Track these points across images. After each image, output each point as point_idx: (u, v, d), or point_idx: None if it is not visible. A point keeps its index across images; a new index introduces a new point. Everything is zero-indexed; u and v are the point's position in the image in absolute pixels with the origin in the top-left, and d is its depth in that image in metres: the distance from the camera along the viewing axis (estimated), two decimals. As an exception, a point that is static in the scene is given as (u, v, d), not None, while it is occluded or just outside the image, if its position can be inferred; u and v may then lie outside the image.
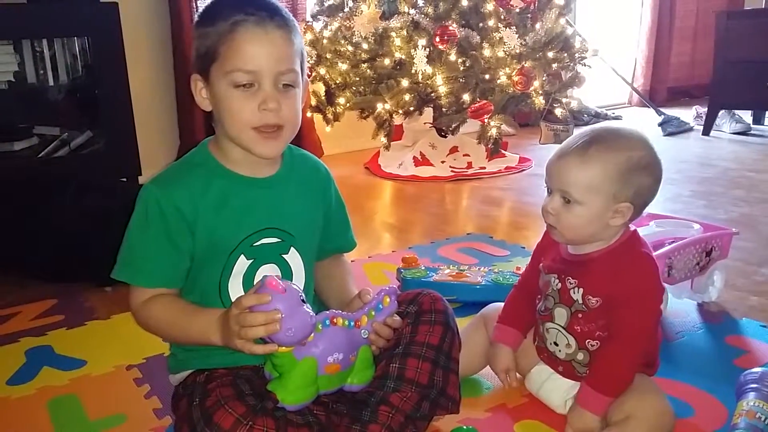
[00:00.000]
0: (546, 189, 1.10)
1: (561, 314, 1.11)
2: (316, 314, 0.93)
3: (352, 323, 0.96)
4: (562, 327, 1.11)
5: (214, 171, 1.01)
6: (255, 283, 0.96)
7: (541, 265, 1.17)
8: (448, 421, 1.08)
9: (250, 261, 1.01)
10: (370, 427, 0.96)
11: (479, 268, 1.68)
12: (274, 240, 1.03)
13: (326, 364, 0.93)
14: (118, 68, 2.44)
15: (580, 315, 1.08)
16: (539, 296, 1.17)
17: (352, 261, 1.21)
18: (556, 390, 1.14)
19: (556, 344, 1.13)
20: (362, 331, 0.97)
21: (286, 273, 1.04)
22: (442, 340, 1.05)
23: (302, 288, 1.05)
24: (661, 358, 1.15)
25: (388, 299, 0.99)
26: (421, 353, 1.03)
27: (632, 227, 1.11)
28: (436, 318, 1.06)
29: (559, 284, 1.11)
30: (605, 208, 1.04)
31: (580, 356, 1.10)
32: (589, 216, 1.05)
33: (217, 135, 1.03)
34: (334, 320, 0.94)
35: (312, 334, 0.91)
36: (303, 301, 0.90)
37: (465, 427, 1.05)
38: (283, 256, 1.04)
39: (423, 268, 1.70)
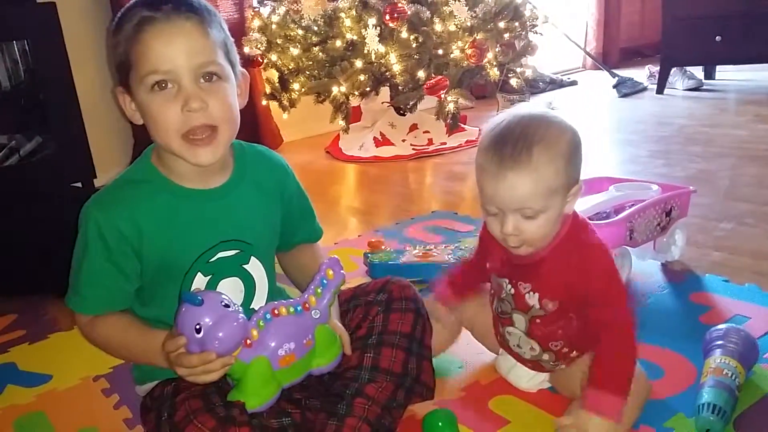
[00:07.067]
0: (488, 212, 0.99)
1: (520, 320, 1.07)
2: (262, 307, 0.92)
3: (300, 307, 0.94)
4: (523, 332, 1.08)
5: (160, 187, 0.95)
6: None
7: (488, 264, 1.12)
8: (424, 406, 1.08)
9: (209, 277, 0.97)
10: (347, 420, 0.95)
11: (445, 246, 1.68)
12: (232, 252, 0.99)
13: (279, 358, 0.91)
14: (61, 70, 2.36)
15: (538, 320, 1.05)
16: (493, 295, 1.14)
17: (318, 249, 1.19)
18: (524, 376, 1.14)
19: (519, 347, 1.10)
20: (313, 312, 0.95)
21: (248, 283, 1.01)
22: (413, 328, 1.04)
23: (266, 292, 1.04)
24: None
25: (330, 272, 0.96)
26: (395, 342, 1.02)
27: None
28: (406, 306, 1.05)
29: (512, 290, 1.06)
30: (563, 201, 0.98)
31: (546, 357, 1.08)
32: (553, 217, 0.97)
33: (157, 148, 0.97)
34: (276, 311, 0.92)
35: (256, 333, 0.89)
36: (226, 305, 0.86)
37: (440, 410, 1.05)
38: (244, 266, 1.01)
39: (390, 250, 1.70)
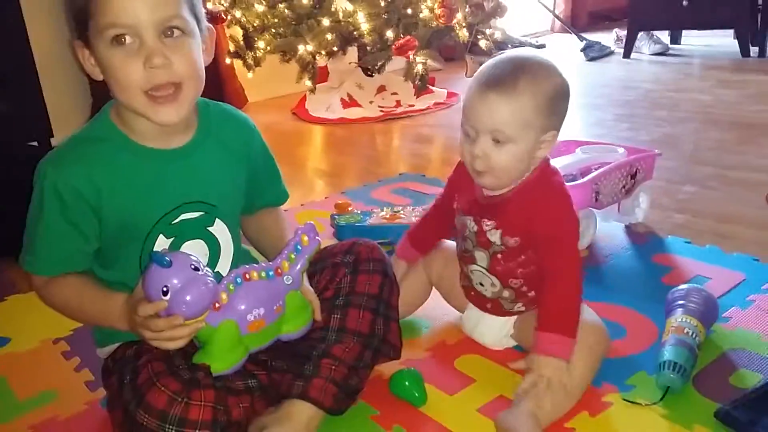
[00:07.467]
0: (464, 133, 1.03)
1: (481, 257, 1.10)
2: (233, 271, 0.90)
3: (272, 273, 0.92)
4: (485, 269, 1.10)
5: (120, 146, 0.91)
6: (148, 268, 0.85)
7: (455, 204, 1.14)
8: (391, 365, 1.08)
9: (171, 239, 0.94)
10: (313, 381, 0.95)
11: (413, 209, 1.67)
12: (196, 214, 0.96)
13: (247, 323, 0.89)
14: (15, 26, 2.26)
15: (499, 255, 1.07)
16: (458, 237, 1.15)
17: (285, 210, 1.17)
18: (488, 331, 1.15)
19: (481, 284, 1.12)
20: (285, 277, 0.93)
21: (213, 246, 0.99)
22: (381, 289, 1.04)
23: (231, 255, 1.02)
24: (591, 281, 1.17)
25: (306, 237, 0.95)
26: (362, 303, 1.01)
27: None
28: (373, 267, 1.05)
29: (476, 227, 1.08)
30: (535, 141, 1.00)
31: (506, 294, 1.10)
32: (521, 152, 1.00)
33: (117, 104, 0.93)
34: (247, 275, 0.90)
35: (225, 296, 0.88)
36: (196, 268, 0.84)
37: (407, 370, 1.06)
38: (208, 228, 0.98)
39: (357, 212, 1.68)
